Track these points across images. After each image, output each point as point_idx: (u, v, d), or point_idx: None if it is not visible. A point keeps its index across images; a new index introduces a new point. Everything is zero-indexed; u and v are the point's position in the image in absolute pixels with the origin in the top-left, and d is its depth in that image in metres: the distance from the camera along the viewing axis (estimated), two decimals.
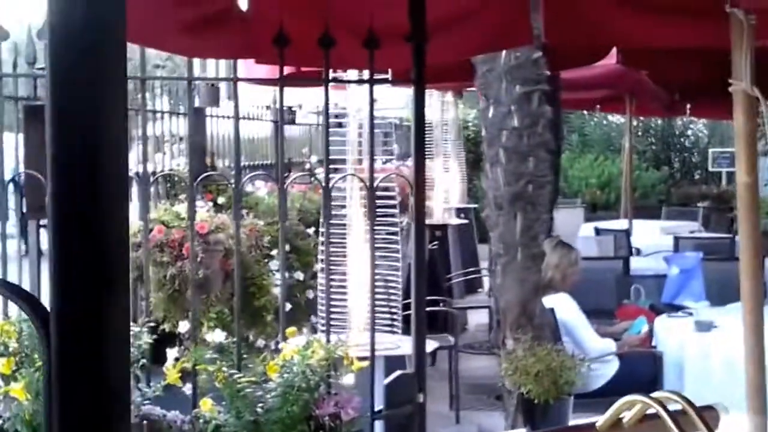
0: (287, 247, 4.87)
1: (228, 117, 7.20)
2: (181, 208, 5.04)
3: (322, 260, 4.24)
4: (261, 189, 6.66)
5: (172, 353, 3.78)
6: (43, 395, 1.05)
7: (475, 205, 10.67)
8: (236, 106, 4.04)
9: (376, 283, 4.16)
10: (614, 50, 5.82)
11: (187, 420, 3.69)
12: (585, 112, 16.22)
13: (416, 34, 3.55)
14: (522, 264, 5.33)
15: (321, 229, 4.21)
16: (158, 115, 6.90)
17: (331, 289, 4.13)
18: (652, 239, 10.11)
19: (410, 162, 4.18)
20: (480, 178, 8.83)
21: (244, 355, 3.86)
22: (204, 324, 4.88)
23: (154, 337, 3.81)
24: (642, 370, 5.70)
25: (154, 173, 5.36)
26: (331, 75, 3.97)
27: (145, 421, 3.65)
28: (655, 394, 1.86)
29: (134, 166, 4.50)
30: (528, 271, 5.34)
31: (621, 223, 10.95)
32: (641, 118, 15.92)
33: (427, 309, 4.25)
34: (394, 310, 4.81)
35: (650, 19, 3.53)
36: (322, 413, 3.56)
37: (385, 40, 3.53)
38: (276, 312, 4.67)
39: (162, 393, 3.68)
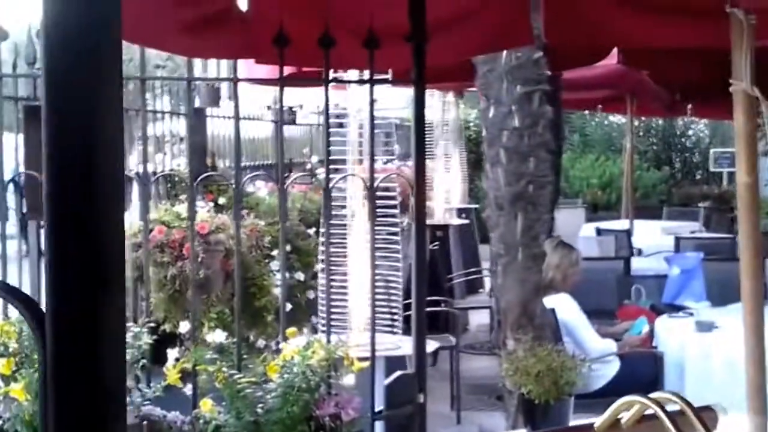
0: (288, 248, 4.86)
1: (228, 117, 7.19)
2: (182, 208, 5.04)
3: (322, 260, 4.24)
4: (262, 189, 6.66)
5: (172, 354, 3.78)
6: (39, 396, 1.05)
7: (476, 206, 10.67)
8: (236, 107, 4.04)
9: (377, 284, 4.16)
10: (615, 50, 5.82)
11: (187, 420, 3.69)
12: (586, 112, 16.19)
13: (416, 34, 3.54)
14: (523, 264, 5.33)
15: (322, 230, 4.21)
16: (159, 115, 6.90)
17: (332, 290, 4.12)
18: (653, 239, 10.11)
19: (411, 162, 4.18)
20: (481, 179, 8.82)
21: (245, 356, 3.85)
22: (204, 324, 4.88)
23: (155, 337, 3.82)
24: (643, 371, 5.70)
25: (154, 173, 5.35)
26: (332, 75, 3.97)
27: (145, 422, 3.66)
28: (653, 395, 1.85)
29: (135, 166, 4.49)
30: (529, 271, 5.34)
31: (622, 224, 10.95)
32: (642, 118, 15.92)
33: (428, 309, 4.25)
34: (394, 310, 4.80)
35: (650, 19, 3.53)
36: (322, 414, 3.56)
37: (386, 40, 3.53)
38: (276, 312, 4.66)
39: (162, 393, 3.68)
